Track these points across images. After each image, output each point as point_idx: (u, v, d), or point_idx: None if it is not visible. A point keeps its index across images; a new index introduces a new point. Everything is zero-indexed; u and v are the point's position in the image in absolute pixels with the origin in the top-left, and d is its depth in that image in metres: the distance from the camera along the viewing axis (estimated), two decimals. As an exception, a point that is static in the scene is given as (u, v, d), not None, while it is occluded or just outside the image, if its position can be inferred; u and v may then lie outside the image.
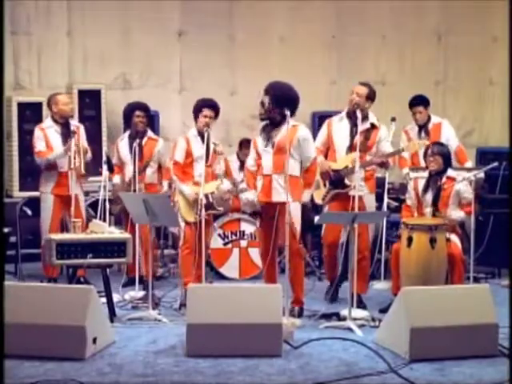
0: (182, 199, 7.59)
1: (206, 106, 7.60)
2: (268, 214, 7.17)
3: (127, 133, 8.49)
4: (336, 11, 10.64)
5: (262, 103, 7.16)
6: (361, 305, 7.33)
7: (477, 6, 10.76)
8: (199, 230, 7.34)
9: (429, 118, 8.80)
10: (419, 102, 8.81)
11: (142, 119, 8.35)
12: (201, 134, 7.57)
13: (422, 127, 8.72)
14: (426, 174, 7.68)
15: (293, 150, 7.09)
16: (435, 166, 7.56)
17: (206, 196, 7.47)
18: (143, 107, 8.45)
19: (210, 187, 7.55)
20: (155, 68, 10.29)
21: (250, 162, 7.36)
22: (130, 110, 8.47)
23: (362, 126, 7.36)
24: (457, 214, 7.44)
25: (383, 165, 7.57)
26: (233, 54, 10.47)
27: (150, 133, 8.50)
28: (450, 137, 8.75)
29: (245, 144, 9.39)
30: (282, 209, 6.98)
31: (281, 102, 7.10)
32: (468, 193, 7.53)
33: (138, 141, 8.03)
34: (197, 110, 7.62)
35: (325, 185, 7.57)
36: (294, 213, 7.09)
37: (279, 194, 7.06)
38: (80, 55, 10.03)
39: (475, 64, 10.95)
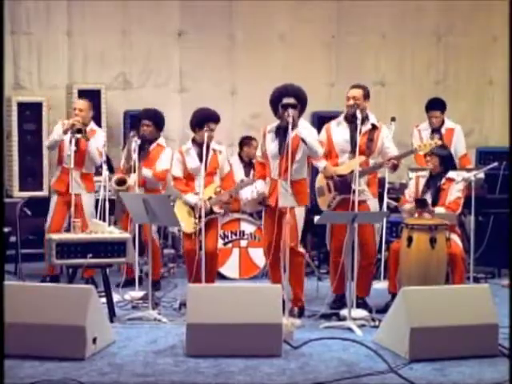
0: (181, 209, 7.56)
1: (212, 121, 7.46)
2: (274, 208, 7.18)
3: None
4: (336, 11, 10.65)
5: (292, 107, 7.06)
6: (366, 308, 7.31)
7: (477, 5, 10.77)
8: (204, 236, 7.33)
9: (442, 122, 8.82)
10: (436, 106, 8.81)
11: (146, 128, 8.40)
12: (197, 145, 7.47)
13: (436, 130, 8.71)
14: (426, 173, 7.69)
15: (299, 154, 7.10)
16: (431, 165, 7.61)
17: (204, 202, 7.43)
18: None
19: (208, 193, 7.52)
20: (155, 68, 10.30)
21: (258, 153, 7.45)
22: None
23: (363, 128, 7.29)
24: (438, 209, 7.43)
25: (394, 167, 7.39)
26: (233, 54, 10.48)
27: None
28: (459, 143, 8.78)
29: (245, 142, 9.39)
30: (287, 212, 7.01)
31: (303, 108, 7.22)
32: (455, 190, 7.52)
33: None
34: (200, 123, 7.45)
35: (330, 191, 7.49)
36: (298, 217, 7.14)
37: (285, 200, 7.06)
38: (80, 55, 10.05)
39: (475, 64, 10.96)
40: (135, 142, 8.03)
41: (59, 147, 8.24)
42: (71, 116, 8.33)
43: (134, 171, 8.05)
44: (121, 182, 8.28)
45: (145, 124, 8.37)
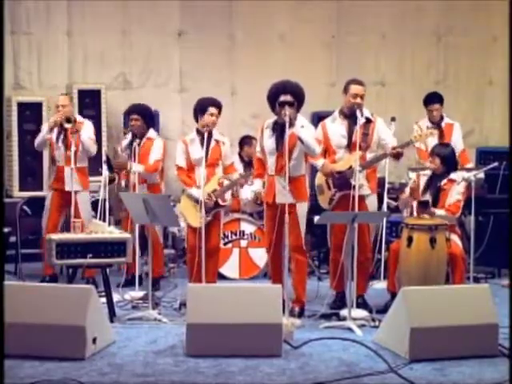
0: (187, 203, 7.57)
1: (212, 105, 7.56)
2: (275, 208, 7.17)
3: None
4: (336, 11, 10.64)
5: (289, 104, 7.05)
6: (366, 308, 7.32)
7: (477, 5, 10.77)
8: (205, 231, 7.34)
9: (441, 117, 8.85)
10: (436, 99, 8.87)
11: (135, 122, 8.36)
12: (201, 135, 7.53)
13: (436, 125, 8.72)
14: (427, 172, 7.69)
15: (296, 152, 7.09)
16: (433, 166, 7.60)
17: (209, 195, 7.47)
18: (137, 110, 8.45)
19: (211, 185, 7.54)
20: (155, 68, 10.30)
21: (257, 148, 7.46)
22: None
23: (358, 123, 7.27)
24: (439, 211, 7.43)
25: (397, 155, 7.32)
26: (233, 54, 10.48)
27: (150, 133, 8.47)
28: (457, 139, 8.81)
29: (246, 141, 9.39)
30: (286, 209, 6.97)
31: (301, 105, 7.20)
32: (455, 192, 7.52)
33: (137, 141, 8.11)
34: (202, 109, 7.54)
35: (329, 188, 7.48)
36: (300, 214, 7.14)
37: (282, 196, 7.05)
38: (80, 55, 10.05)
39: (475, 64, 10.95)
40: (126, 139, 8.28)
41: (51, 147, 8.30)
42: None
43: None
44: (110, 181, 8.33)
45: (133, 118, 8.33)
